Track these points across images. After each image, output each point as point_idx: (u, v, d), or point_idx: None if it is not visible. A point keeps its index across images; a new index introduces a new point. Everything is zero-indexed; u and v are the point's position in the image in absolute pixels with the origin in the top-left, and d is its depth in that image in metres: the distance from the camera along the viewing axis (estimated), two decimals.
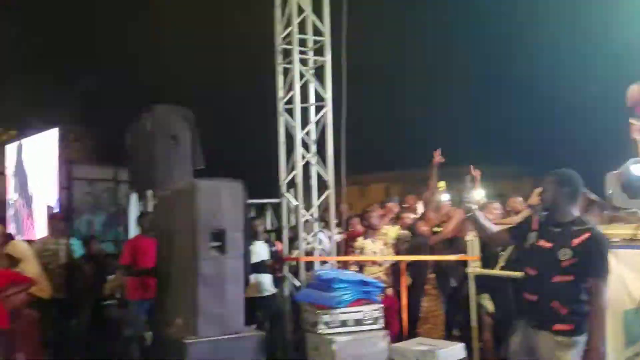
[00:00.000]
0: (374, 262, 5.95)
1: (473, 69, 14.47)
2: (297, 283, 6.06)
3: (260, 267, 6.16)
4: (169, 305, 5.37)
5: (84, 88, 12.81)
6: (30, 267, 5.50)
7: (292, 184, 6.24)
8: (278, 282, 6.26)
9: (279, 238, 6.54)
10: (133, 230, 7.76)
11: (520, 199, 6.07)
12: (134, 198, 8.12)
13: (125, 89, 12.15)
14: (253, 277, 6.05)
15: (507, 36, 12.61)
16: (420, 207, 6.90)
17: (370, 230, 6.07)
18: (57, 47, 12.66)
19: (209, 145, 7.14)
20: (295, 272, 6.12)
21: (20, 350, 5.15)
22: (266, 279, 6.29)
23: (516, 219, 4.85)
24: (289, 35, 6.17)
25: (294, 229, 6.28)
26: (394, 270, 5.99)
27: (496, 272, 5.17)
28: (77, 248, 6.44)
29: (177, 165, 6.46)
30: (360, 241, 6.06)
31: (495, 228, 3.75)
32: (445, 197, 6.26)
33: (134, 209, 7.95)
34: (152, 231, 5.81)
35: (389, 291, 5.87)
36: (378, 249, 6.01)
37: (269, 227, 7.45)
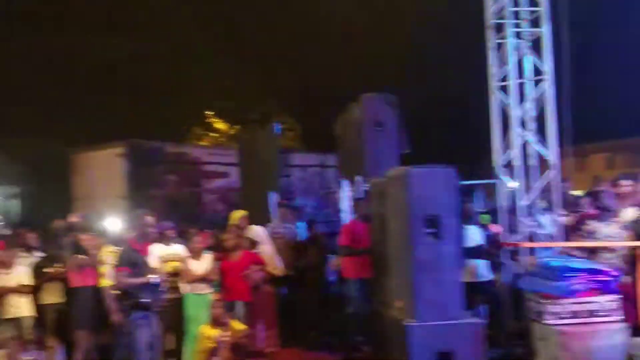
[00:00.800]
0: (607, 248, 5.34)
1: None
2: (518, 270, 5.76)
3: (475, 252, 6.00)
4: (386, 286, 5.58)
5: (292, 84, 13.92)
6: (267, 249, 6.24)
7: (507, 164, 5.92)
8: (496, 267, 6.04)
9: (493, 221, 6.28)
10: (344, 213, 8.20)
11: None
12: (344, 183, 8.55)
13: (327, 81, 12.87)
14: (468, 262, 5.93)
15: None
16: None
17: (603, 212, 5.45)
18: (267, 48, 13.90)
19: (414, 129, 7.17)
20: (514, 258, 5.83)
21: (259, 319, 5.93)
22: (482, 264, 6.10)
23: None
24: (501, 9, 5.87)
25: (511, 212, 5.97)
26: (631, 256, 5.30)
27: None
28: (302, 231, 7.04)
29: (384, 150, 6.65)
30: (591, 224, 5.48)
31: None
32: None
33: (344, 193, 8.36)
34: (367, 216, 6.07)
35: (627, 280, 5.22)
36: (613, 232, 5.37)
37: (479, 209, 7.18)
